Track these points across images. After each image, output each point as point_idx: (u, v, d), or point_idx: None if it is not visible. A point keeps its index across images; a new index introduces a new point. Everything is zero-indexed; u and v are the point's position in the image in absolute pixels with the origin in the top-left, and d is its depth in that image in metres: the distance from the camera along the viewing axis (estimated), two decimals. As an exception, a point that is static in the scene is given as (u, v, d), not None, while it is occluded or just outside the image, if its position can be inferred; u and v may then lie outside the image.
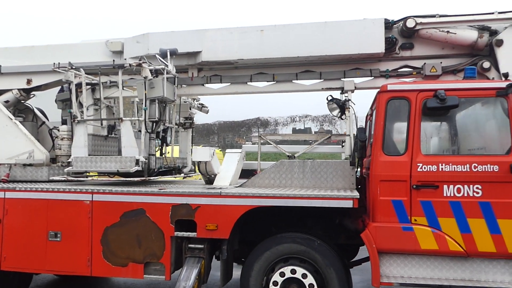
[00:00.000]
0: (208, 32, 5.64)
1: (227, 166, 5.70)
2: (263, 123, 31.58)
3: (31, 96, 6.82)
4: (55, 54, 6.35)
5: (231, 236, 4.47)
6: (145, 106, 5.25)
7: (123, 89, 6.15)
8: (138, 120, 5.32)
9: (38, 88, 6.66)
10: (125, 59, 6.07)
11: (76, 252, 4.80)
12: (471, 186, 4.06)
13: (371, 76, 5.51)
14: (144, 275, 4.63)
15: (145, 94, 5.23)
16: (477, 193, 4.04)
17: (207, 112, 7.10)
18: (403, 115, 4.34)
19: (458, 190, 4.08)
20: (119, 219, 4.71)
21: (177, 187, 4.94)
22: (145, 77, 5.22)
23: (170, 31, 5.80)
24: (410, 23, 5.09)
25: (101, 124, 6.01)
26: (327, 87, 5.63)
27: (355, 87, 5.50)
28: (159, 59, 5.42)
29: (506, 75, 4.44)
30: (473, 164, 4.05)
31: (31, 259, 4.91)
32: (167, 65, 5.39)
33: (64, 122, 7.15)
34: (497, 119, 4.19)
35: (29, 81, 6.45)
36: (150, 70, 5.26)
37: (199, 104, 6.75)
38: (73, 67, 5.48)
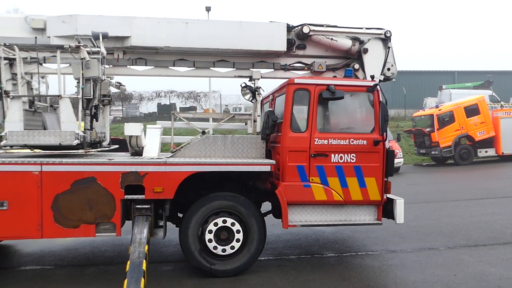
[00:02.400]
0: (137, 19, 6.31)
1: (151, 140, 6.54)
2: (126, 97, 30.99)
3: None
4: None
5: (174, 197, 5.48)
6: (83, 85, 5.76)
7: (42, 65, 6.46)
8: (77, 97, 5.78)
9: None
10: (48, 37, 6.32)
11: (25, 219, 5.21)
12: (349, 154, 5.83)
13: (273, 69, 6.93)
14: (96, 234, 5.35)
15: (82, 73, 5.74)
16: (353, 159, 5.84)
17: (124, 90, 7.66)
18: (304, 102, 5.87)
19: (341, 158, 5.81)
20: (70, 186, 5.28)
21: (121, 158, 5.68)
22: (83, 58, 5.71)
23: (99, 15, 6.29)
24: (305, 29, 6.61)
25: (39, 100, 6.22)
26: (238, 75, 6.89)
27: (261, 76, 6.86)
28: (92, 41, 5.92)
29: (372, 77, 6.28)
30: (351, 139, 5.83)
31: (-26, 228, 5.14)
32: (99, 48, 5.93)
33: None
34: (367, 108, 6.03)
35: None
36: (88, 52, 5.76)
37: (117, 82, 7.30)
38: (6, 43, 5.60)
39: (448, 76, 37.65)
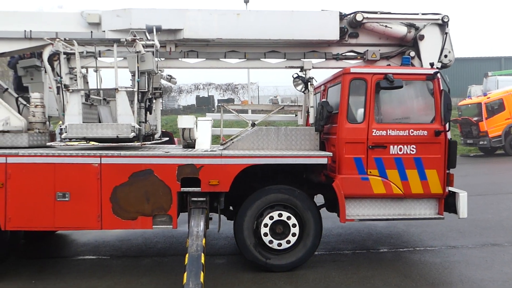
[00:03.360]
0: (190, 12, 6.28)
1: (202, 132, 6.53)
2: (166, 89, 31.43)
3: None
4: (23, 20, 6.39)
5: (230, 190, 5.44)
6: (138, 78, 5.80)
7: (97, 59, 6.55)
8: (132, 90, 5.82)
9: (1, 54, 6.61)
10: (103, 31, 6.40)
11: (86, 210, 5.32)
12: (408, 146, 5.60)
13: (325, 58, 6.75)
14: (153, 226, 5.40)
15: (138, 67, 5.77)
16: (412, 151, 5.60)
17: (175, 83, 7.69)
18: (361, 92, 5.67)
19: (400, 149, 5.59)
20: (128, 179, 5.34)
21: (177, 150, 5.70)
22: (138, 52, 5.74)
23: (152, 8, 6.30)
24: (359, 17, 6.38)
25: (97, 94, 6.34)
26: (289, 66, 6.75)
27: (312, 66, 6.69)
28: (146, 35, 5.94)
29: (432, 64, 5.99)
30: (410, 130, 5.59)
31: (38, 219, 5.29)
32: (153, 41, 5.94)
33: (20, 87, 7.21)
34: (425, 97, 5.76)
35: (-7, 47, 6.37)
36: (142, 45, 5.78)
37: (168, 75, 7.33)
38: (66, 38, 5.71)
39: (494, 62, 35.78)
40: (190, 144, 6.46)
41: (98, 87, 6.70)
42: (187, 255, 4.89)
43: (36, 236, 7.02)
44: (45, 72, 7.12)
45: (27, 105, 6.84)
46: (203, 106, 27.50)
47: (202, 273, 4.69)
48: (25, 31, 6.26)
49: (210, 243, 7.08)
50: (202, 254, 4.89)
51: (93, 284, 5.35)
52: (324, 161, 5.52)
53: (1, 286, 5.26)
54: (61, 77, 5.83)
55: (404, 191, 5.61)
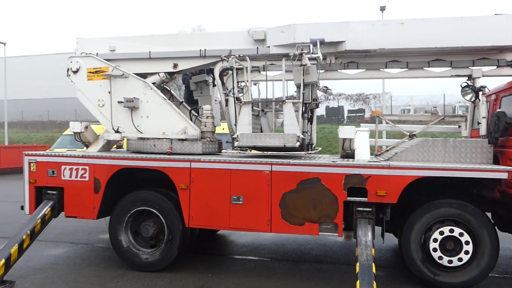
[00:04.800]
0: (352, 24, 6.39)
1: (361, 143, 6.56)
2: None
3: (173, 78, 7.65)
4: (198, 41, 7.15)
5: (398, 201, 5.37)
6: (303, 90, 6.08)
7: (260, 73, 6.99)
8: (298, 102, 6.11)
9: (179, 72, 7.48)
10: (268, 46, 6.85)
11: (257, 213, 5.72)
12: None
13: (497, 66, 6.27)
14: (319, 233, 5.57)
15: (303, 79, 6.05)
16: None
17: (331, 94, 7.88)
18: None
19: None
20: (296, 186, 5.62)
21: (342, 160, 5.83)
22: (305, 65, 6.03)
23: (315, 22, 6.56)
24: (539, 20, 5.81)
25: (267, 105, 6.87)
26: (455, 74, 6.42)
27: (482, 74, 6.28)
28: (311, 48, 6.19)
29: None
30: None
31: (216, 219, 5.86)
32: (317, 54, 6.17)
33: (191, 100, 8.06)
34: None
35: (175, 65, 7.22)
36: (308, 58, 6.06)
37: (324, 86, 7.53)
38: (240, 55, 6.26)
39: None
40: (348, 154, 6.54)
41: (258, 99, 7.17)
42: (357, 264, 4.95)
43: (202, 234, 7.74)
44: (213, 86, 7.92)
45: (198, 116, 7.64)
46: (332, 116, 27.46)
47: (374, 282, 4.70)
48: (200, 50, 7.00)
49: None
50: (373, 264, 4.90)
51: (261, 283, 5.72)
52: (503, 176, 5.12)
53: (183, 276, 5.93)
54: (234, 91, 6.36)
55: None
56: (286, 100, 6.06)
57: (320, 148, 7.57)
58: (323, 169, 5.56)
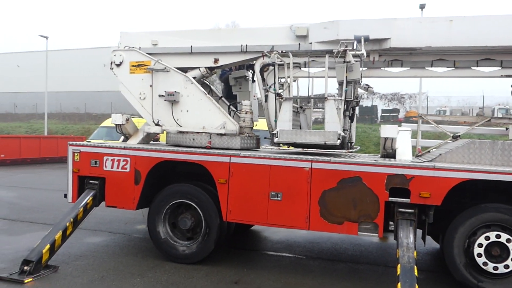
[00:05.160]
0: (398, 21, 6.24)
1: (403, 142, 6.40)
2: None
3: (213, 73, 7.70)
4: (239, 36, 7.15)
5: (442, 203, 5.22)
6: (346, 87, 5.99)
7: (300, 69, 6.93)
8: (340, 99, 6.03)
9: (220, 66, 7.51)
10: (310, 43, 6.78)
11: (295, 210, 5.69)
12: None
13: (550, 65, 6.00)
14: (358, 232, 5.49)
15: (346, 76, 5.97)
16: None
17: (372, 92, 7.76)
18: None
19: None
20: (336, 184, 5.55)
21: (384, 160, 5.71)
22: (348, 61, 5.94)
23: (359, 19, 6.45)
24: None
25: (308, 102, 6.83)
26: (506, 75, 6.19)
27: (534, 75, 6.03)
28: (356, 45, 6.09)
29: None
30: None
31: (254, 214, 5.86)
32: (361, 51, 6.06)
33: (229, 96, 8.09)
34: None
35: (216, 60, 7.24)
36: (352, 55, 5.96)
37: (365, 84, 7.41)
38: (282, 51, 6.23)
39: None
40: (389, 154, 6.40)
41: (298, 96, 7.11)
42: (398, 266, 4.84)
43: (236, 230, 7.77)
44: (252, 81, 7.92)
45: (237, 111, 7.66)
46: (365, 116, 27.04)
47: (416, 286, 4.59)
48: (241, 45, 7.00)
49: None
50: (415, 267, 4.79)
51: (297, 280, 5.69)
52: (559, 181, 4.90)
53: (219, 270, 5.96)
54: (275, 87, 6.33)
55: None
56: (328, 97, 5.99)
57: (359, 147, 7.44)
58: (365, 168, 5.46)
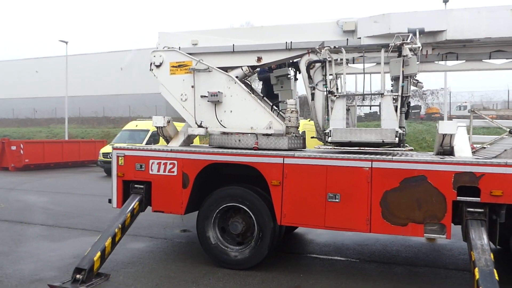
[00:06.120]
0: (454, 11, 5.96)
1: (460, 138, 6.11)
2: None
3: (255, 72, 7.50)
4: (283, 33, 6.92)
5: (514, 202, 4.93)
6: (402, 82, 5.73)
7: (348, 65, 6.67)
8: (397, 95, 5.77)
9: (263, 65, 7.29)
10: (359, 38, 6.53)
11: (355, 212, 5.44)
12: None
13: None
14: (424, 234, 5.22)
15: (402, 71, 5.70)
16: None
17: (422, 87, 7.44)
18: None
19: None
20: (399, 184, 5.29)
21: (453, 158, 5.43)
22: (405, 56, 5.67)
23: (412, 11, 6.17)
24: None
25: (363, 99, 6.59)
26: None
27: None
28: (412, 38, 5.81)
29: None
30: None
31: (310, 217, 5.63)
32: (417, 44, 5.78)
33: (270, 95, 7.87)
34: None
35: (259, 59, 7.03)
36: (410, 49, 5.69)
37: (415, 79, 7.13)
38: (334, 47, 5.99)
39: None
40: (446, 151, 6.11)
41: (349, 92, 6.85)
42: (476, 270, 4.57)
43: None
44: (295, 80, 7.70)
45: (281, 111, 7.44)
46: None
47: (498, 291, 4.32)
48: (286, 42, 6.77)
49: (460, 258, 6.63)
50: (494, 270, 4.51)
51: (359, 285, 5.45)
52: None
53: (275, 276, 5.75)
54: (326, 85, 6.09)
55: None
56: (385, 94, 5.74)
57: (412, 148, 7.14)
58: (430, 166, 5.19)
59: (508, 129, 6.70)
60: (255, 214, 5.92)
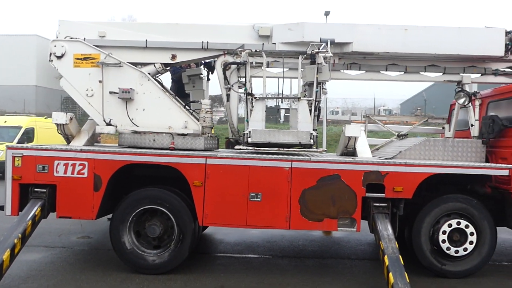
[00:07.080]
0: (359, 26, 6.60)
1: (362, 141, 6.80)
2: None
3: (168, 70, 7.29)
4: (198, 32, 6.91)
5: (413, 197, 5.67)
6: (316, 88, 6.16)
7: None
8: (312, 100, 6.16)
9: (177, 63, 7.14)
10: (273, 43, 6.82)
11: (276, 210, 5.68)
12: None
13: (482, 73, 6.89)
14: (338, 228, 5.70)
15: (316, 77, 6.14)
16: None
17: (326, 93, 8.01)
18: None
19: None
20: (316, 182, 5.68)
21: (363, 159, 6.00)
22: (320, 63, 6.11)
23: (324, 23, 6.71)
24: (523, 34, 6.51)
25: (282, 101, 6.79)
26: (448, 80, 6.94)
27: (471, 81, 6.86)
28: (325, 47, 6.28)
29: None
30: None
31: (232, 216, 5.71)
32: (329, 53, 6.27)
33: (180, 94, 7.76)
34: None
35: (173, 57, 6.88)
36: (323, 57, 6.15)
37: (324, 87, 7.65)
38: (256, 50, 6.17)
39: None
40: (349, 152, 6.73)
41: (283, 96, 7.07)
42: (385, 257, 5.14)
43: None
44: (207, 80, 7.72)
45: (194, 111, 7.36)
46: (270, 116, 28.01)
47: (405, 273, 4.94)
48: (202, 42, 6.76)
49: (359, 248, 7.35)
50: (399, 256, 5.13)
51: (280, 280, 5.69)
52: (505, 172, 5.67)
53: (196, 277, 5.69)
54: (246, 86, 6.24)
55: None
56: (302, 98, 6.10)
57: (326, 149, 7.62)
58: (343, 166, 5.70)
59: (397, 133, 7.67)
60: (175, 216, 5.79)
